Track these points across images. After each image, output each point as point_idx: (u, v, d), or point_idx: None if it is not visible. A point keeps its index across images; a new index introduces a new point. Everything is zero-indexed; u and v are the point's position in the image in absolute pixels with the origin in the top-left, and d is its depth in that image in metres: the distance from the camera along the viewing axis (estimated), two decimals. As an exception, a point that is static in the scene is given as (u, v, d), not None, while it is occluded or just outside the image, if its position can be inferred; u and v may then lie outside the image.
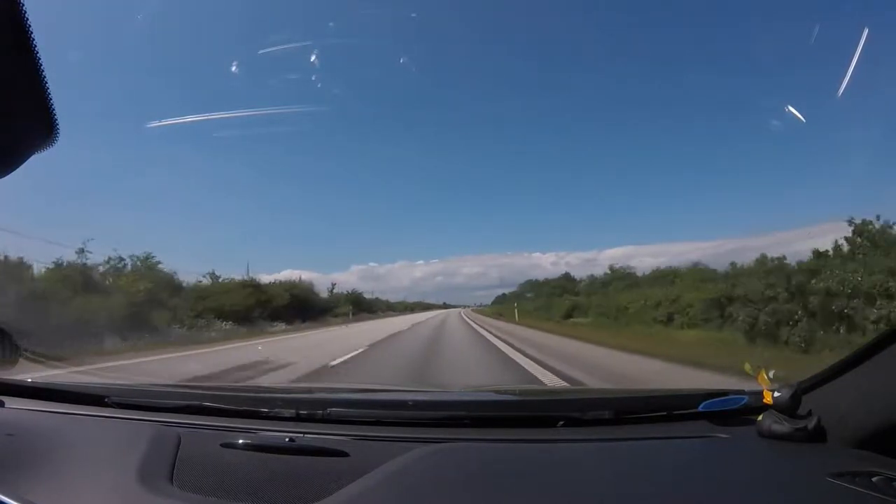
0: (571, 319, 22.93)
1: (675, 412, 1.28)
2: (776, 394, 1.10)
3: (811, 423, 1.06)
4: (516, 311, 30.29)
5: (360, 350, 10.15)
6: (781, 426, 1.07)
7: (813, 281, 10.20)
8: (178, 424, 1.31)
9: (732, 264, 15.78)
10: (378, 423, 1.30)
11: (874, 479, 0.88)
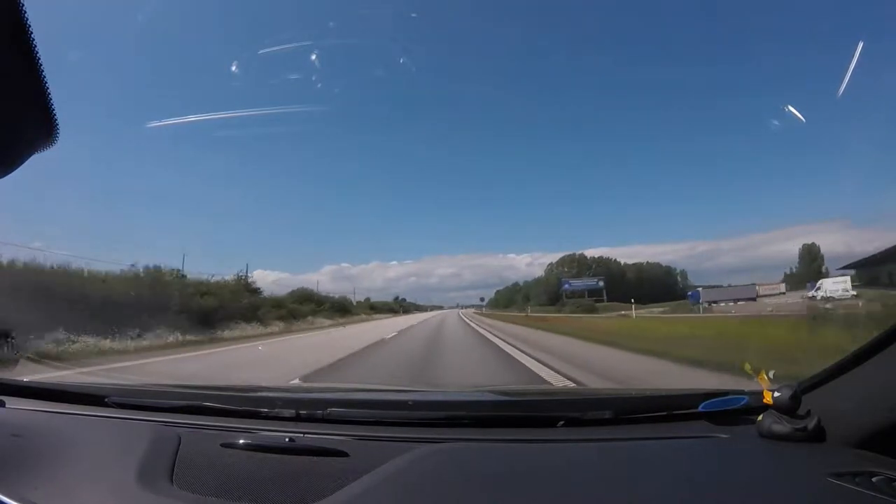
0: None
1: (675, 412, 1.28)
2: (776, 394, 1.10)
3: (811, 423, 1.06)
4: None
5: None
6: (781, 426, 1.07)
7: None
8: (178, 424, 1.31)
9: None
10: (378, 423, 1.30)
11: (874, 479, 0.88)
